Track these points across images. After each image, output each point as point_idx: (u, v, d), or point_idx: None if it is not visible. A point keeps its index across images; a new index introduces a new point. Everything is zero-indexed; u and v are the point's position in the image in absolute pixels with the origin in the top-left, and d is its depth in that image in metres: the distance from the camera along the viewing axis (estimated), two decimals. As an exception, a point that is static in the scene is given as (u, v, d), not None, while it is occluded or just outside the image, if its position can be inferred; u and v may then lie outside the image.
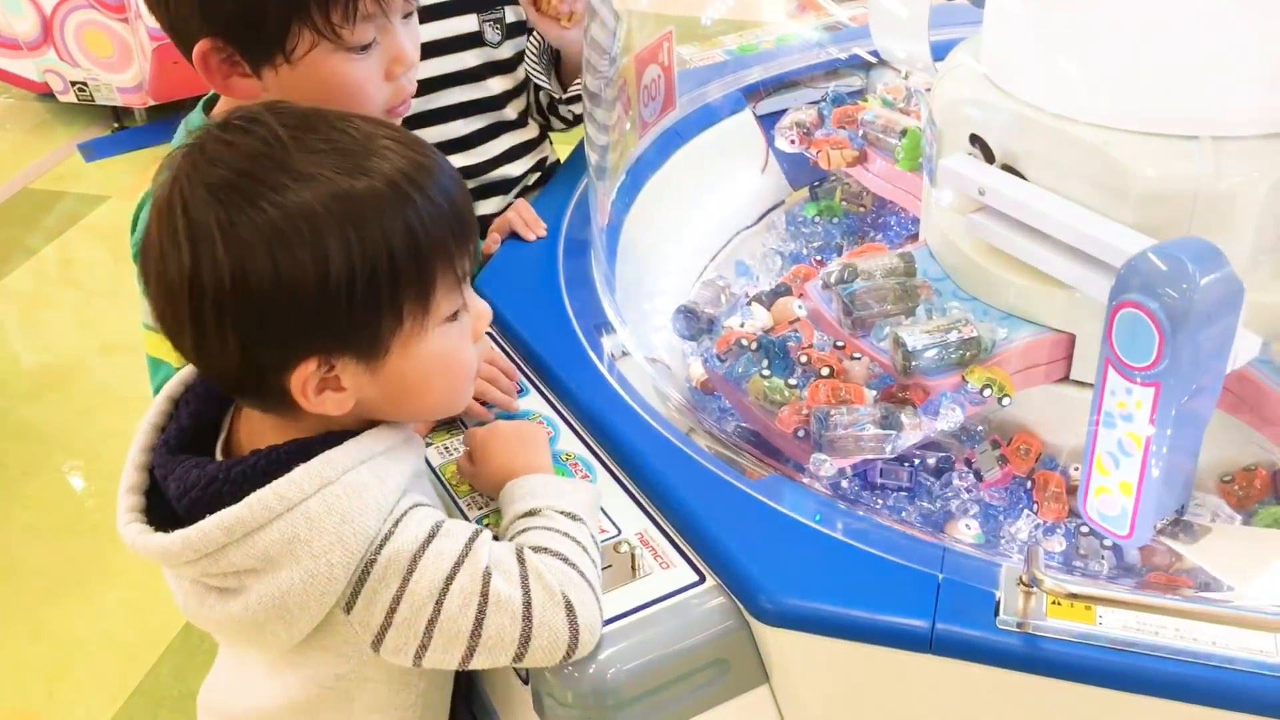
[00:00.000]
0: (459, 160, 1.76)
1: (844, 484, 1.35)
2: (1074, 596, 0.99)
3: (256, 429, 1.03)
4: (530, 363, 1.42)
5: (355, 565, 0.96)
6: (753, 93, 2.02)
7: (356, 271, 0.91)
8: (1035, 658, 1.02)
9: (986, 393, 1.33)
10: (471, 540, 1.01)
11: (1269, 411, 1.30)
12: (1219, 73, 1.26)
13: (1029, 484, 1.38)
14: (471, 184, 1.78)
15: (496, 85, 1.80)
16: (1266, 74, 1.25)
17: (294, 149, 0.92)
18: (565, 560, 1.04)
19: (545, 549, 1.04)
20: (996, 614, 1.04)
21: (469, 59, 1.76)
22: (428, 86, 1.67)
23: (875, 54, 1.92)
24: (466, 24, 1.75)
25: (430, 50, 1.62)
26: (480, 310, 1.08)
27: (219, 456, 1.04)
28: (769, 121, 1.97)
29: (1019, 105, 1.34)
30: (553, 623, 1.00)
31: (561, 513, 1.10)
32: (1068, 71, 1.30)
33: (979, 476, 1.37)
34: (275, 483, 0.94)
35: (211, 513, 0.94)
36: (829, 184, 1.92)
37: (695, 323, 1.53)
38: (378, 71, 1.23)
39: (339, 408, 0.98)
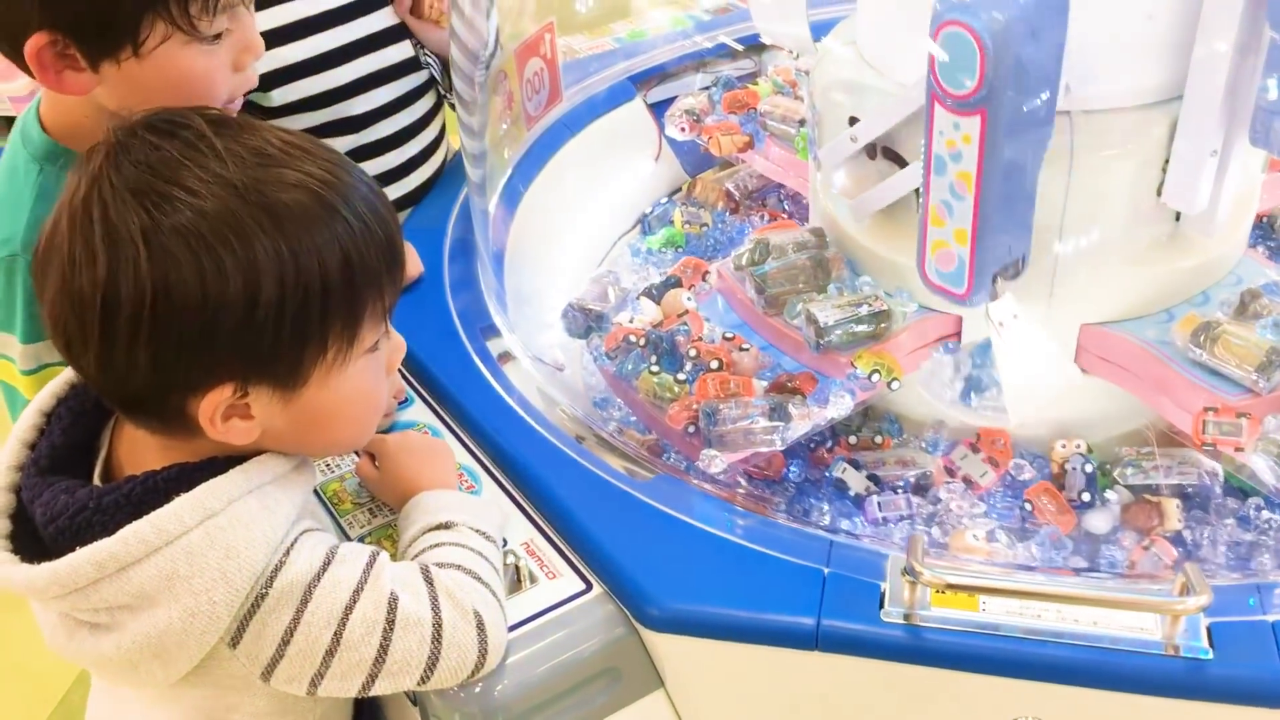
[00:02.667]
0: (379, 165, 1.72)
1: (742, 485, 1.33)
2: (952, 587, 0.98)
3: (139, 450, 0.96)
4: (414, 369, 1.39)
5: (240, 602, 0.90)
6: (643, 80, 1.99)
7: (288, 295, 0.86)
8: (920, 649, 1.01)
9: (875, 378, 1.32)
10: (370, 565, 0.96)
11: (1154, 382, 1.31)
12: (1086, 46, 1.25)
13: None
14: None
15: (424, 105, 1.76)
16: (1134, 46, 1.25)
17: (228, 157, 0.86)
18: (476, 578, 1.01)
19: (456, 565, 1.01)
20: (882, 606, 1.03)
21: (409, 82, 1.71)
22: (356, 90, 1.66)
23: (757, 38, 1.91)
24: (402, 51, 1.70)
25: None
26: (397, 342, 1.04)
27: (97, 480, 0.97)
28: (661, 109, 1.95)
29: (894, 86, 1.33)
30: (463, 642, 0.97)
31: (475, 530, 1.07)
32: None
33: (969, 483, 1.34)
34: (153, 514, 0.87)
35: (80, 544, 0.87)
36: (661, 208, 1.86)
37: (583, 320, 1.51)
38: (227, 62, 1.17)
39: (244, 437, 0.92)
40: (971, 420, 1.39)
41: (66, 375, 1.02)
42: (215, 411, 0.89)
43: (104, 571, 0.87)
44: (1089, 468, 1.32)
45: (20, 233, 1.16)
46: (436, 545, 1.05)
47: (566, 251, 1.79)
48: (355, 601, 0.93)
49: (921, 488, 1.34)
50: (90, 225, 0.84)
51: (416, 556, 1.04)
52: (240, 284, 0.84)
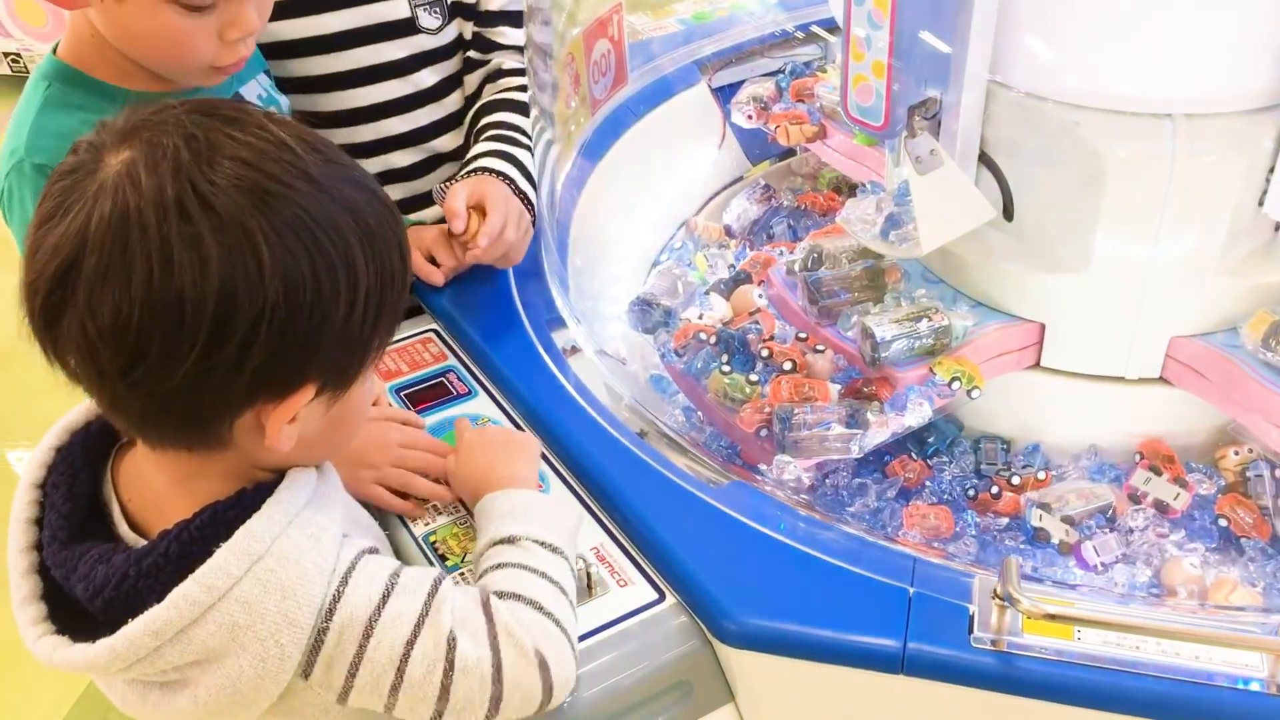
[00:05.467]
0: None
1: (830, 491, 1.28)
2: (1052, 617, 0.94)
3: (152, 495, 0.91)
4: (479, 362, 1.35)
5: (307, 638, 0.86)
6: (708, 64, 1.94)
7: (371, 290, 0.83)
8: (1011, 677, 0.97)
9: (955, 385, 1.28)
10: (431, 595, 0.91)
11: (1245, 399, 1.26)
12: (1192, 47, 1.20)
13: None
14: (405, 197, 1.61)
15: (429, 78, 1.56)
16: (1242, 47, 1.19)
17: (305, 155, 0.81)
18: (540, 609, 0.95)
19: (517, 595, 0.95)
20: (971, 630, 0.99)
21: (397, 49, 1.52)
22: (353, 80, 1.51)
23: (832, 21, 1.85)
24: (397, 9, 1.51)
25: (354, 39, 1.48)
26: None
27: (123, 532, 0.91)
28: (725, 94, 1.90)
29: (989, 83, 1.28)
30: (526, 682, 0.92)
31: (541, 544, 1.00)
32: (1037, 48, 1.24)
33: (1162, 508, 1.27)
34: (199, 573, 0.83)
35: (132, 614, 0.82)
36: (675, 253, 1.75)
37: (651, 315, 1.47)
38: (211, 30, 1.14)
39: (289, 443, 0.86)
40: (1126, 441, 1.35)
41: (48, 442, 0.95)
42: (286, 417, 0.84)
43: (162, 638, 0.83)
44: (1279, 472, 1.26)
45: (25, 139, 1.16)
46: (500, 566, 0.98)
47: (627, 240, 1.75)
48: (416, 636, 0.89)
49: (1108, 520, 1.26)
50: (188, 218, 0.76)
51: (481, 577, 0.99)
52: (344, 280, 0.81)
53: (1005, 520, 1.29)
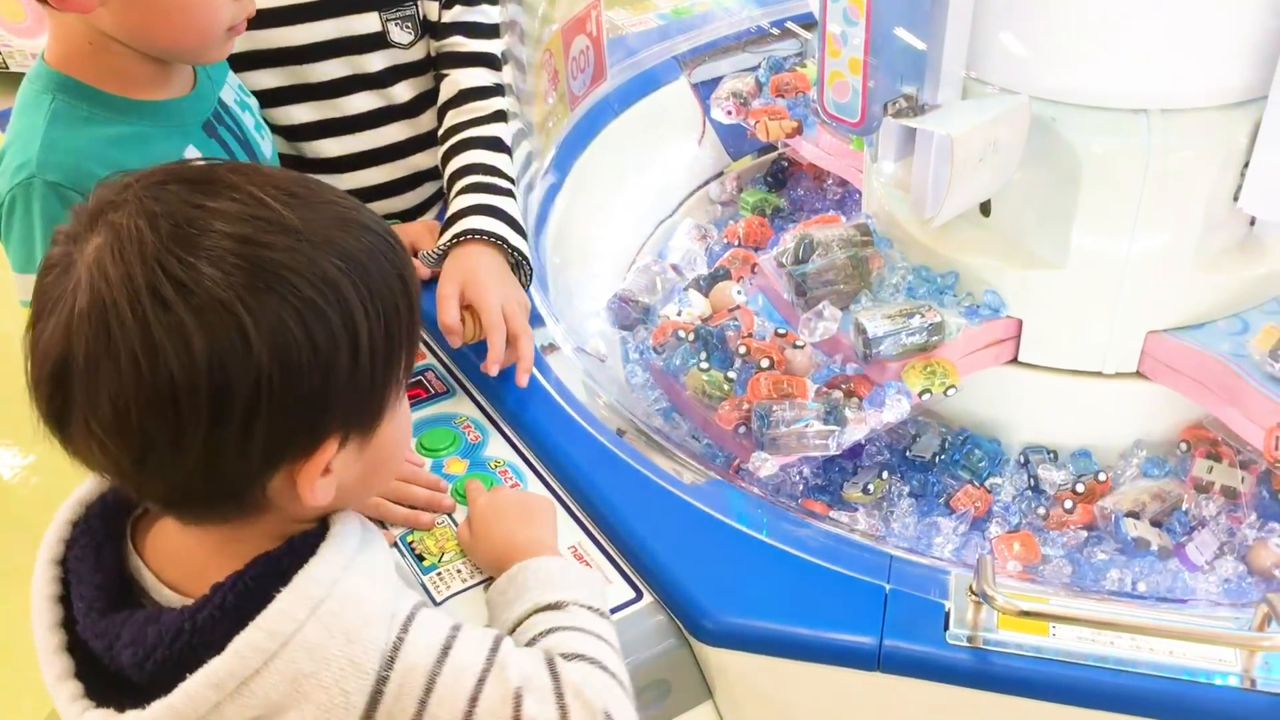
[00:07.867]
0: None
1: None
2: (1026, 614, 0.94)
3: (191, 561, 0.86)
4: (457, 361, 1.35)
5: (371, 685, 0.82)
6: (687, 60, 1.94)
7: (375, 332, 0.80)
8: (987, 674, 0.97)
9: (925, 397, 1.27)
10: (494, 651, 0.87)
11: (1240, 404, 1.26)
12: (1167, 43, 1.20)
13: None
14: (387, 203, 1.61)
15: (404, 92, 1.55)
16: (1217, 43, 1.20)
17: (280, 208, 0.77)
18: (603, 668, 0.91)
19: (580, 655, 0.91)
20: (946, 627, 0.99)
21: (373, 61, 1.51)
22: (328, 90, 1.50)
23: (809, 17, 1.85)
24: (368, 23, 1.49)
25: (329, 50, 1.47)
26: None
27: (165, 596, 0.86)
28: (705, 89, 1.90)
29: (965, 79, 1.28)
30: None
31: (589, 609, 0.97)
32: (1013, 45, 1.24)
33: (1231, 494, 1.26)
34: (261, 618, 0.79)
35: (188, 670, 0.78)
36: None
37: (630, 312, 1.46)
38: None
39: (327, 496, 0.83)
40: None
41: (63, 516, 0.91)
42: (317, 474, 0.81)
43: (224, 692, 0.78)
44: None
45: (35, 154, 1.13)
46: (552, 630, 0.95)
47: (606, 236, 1.75)
48: (480, 693, 0.85)
49: (1181, 514, 1.26)
50: (164, 303, 0.73)
51: (532, 642, 0.95)
52: (342, 332, 0.78)
53: (1084, 534, 1.28)
